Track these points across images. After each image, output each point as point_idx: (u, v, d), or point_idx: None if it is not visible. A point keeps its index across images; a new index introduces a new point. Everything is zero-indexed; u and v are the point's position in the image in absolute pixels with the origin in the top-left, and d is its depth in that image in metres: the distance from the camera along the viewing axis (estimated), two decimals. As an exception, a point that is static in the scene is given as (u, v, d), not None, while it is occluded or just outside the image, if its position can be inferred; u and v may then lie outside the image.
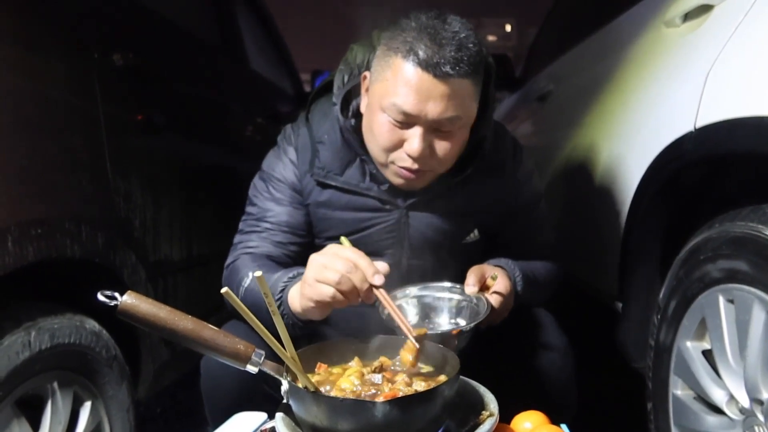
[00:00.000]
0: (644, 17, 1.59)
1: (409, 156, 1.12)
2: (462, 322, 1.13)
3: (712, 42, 1.18)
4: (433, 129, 1.10)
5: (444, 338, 1.04)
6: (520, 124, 3.03)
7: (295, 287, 1.07)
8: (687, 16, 1.32)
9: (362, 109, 1.20)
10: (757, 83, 1.03)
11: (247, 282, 1.19)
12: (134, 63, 1.53)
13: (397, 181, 1.18)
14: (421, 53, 1.04)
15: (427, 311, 1.18)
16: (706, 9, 1.25)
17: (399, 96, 1.07)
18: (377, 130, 1.13)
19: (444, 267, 1.25)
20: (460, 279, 1.17)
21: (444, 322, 1.17)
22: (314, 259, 1.00)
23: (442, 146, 1.13)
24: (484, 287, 1.16)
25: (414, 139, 1.10)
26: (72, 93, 1.32)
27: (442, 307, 1.18)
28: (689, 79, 1.22)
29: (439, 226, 1.26)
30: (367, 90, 1.18)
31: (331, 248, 1.01)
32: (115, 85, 1.46)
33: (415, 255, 1.28)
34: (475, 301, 1.13)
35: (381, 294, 0.98)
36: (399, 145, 1.12)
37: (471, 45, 1.07)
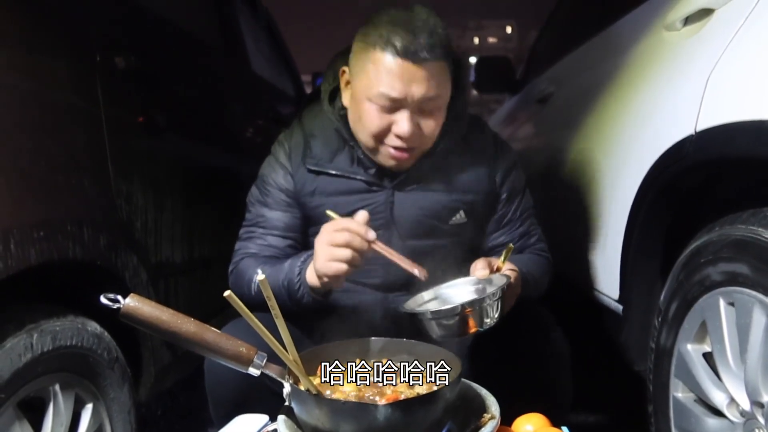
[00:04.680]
0: (645, 21, 1.59)
1: (399, 137, 1.22)
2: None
3: (712, 46, 1.18)
4: (418, 110, 1.21)
5: (476, 307, 1.08)
6: (520, 126, 3.03)
7: (310, 269, 1.20)
8: (687, 20, 1.32)
9: (345, 103, 1.31)
10: (758, 87, 1.03)
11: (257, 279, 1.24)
12: (136, 65, 1.53)
13: (390, 162, 1.27)
14: (398, 44, 1.15)
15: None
16: (706, 13, 1.25)
17: (384, 85, 1.18)
18: (366, 118, 1.22)
19: (433, 248, 1.31)
20: (449, 260, 1.25)
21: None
22: (319, 242, 1.15)
23: (426, 124, 1.23)
24: (493, 271, 1.19)
25: (403, 121, 1.20)
26: (74, 95, 1.32)
27: (461, 297, 1.18)
28: (690, 83, 1.22)
29: (424, 206, 1.33)
30: (347, 84, 1.29)
31: (326, 227, 1.15)
32: (116, 86, 1.46)
33: (403, 235, 1.33)
34: (490, 281, 1.16)
35: (377, 245, 1.14)
36: (388, 129, 1.22)
37: (440, 30, 1.19)
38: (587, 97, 1.90)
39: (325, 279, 1.15)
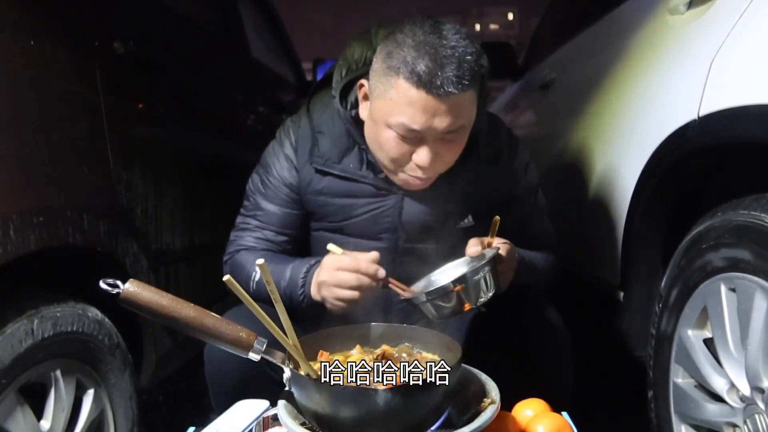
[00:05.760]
0: (648, 5, 1.58)
1: (418, 166, 1.17)
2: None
3: (716, 30, 1.17)
4: (439, 139, 1.15)
5: (468, 282, 1.09)
6: (522, 112, 3.01)
7: (314, 286, 1.20)
8: (691, 4, 1.31)
9: (361, 116, 1.24)
10: (762, 71, 1.02)
11: (257, 276, 1.26)
12: (135, 51, 1.52)
13: (407, 186, 1.23)
14: (423, 75, 1.07)
15: None
16: (710, -4, 1.24)
17: (406, 116, 1.11)
18: (385, 145, 1.17)
19: (439, 251, 1.28)
20: (452, 261, 1.23)
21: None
22: (324, 284, 1.15)
23: (447, 151, 1.18)
24: (484, 247, 1.18)
25: (422, 151, 1.15)
26: (73, 81, 1.32)
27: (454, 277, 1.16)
28: (693, 67, 1.21)
29: (433, 211, 1.29)
30: (365, 97, 1.21)
31: (331, 264, 1.14)
32: (116, 73, 1.45)
33: (410, 239, 1.31)
34: (483, 257, 1.15)
35: (390, 282, 1.15)
36: (407, 155, 1.17)
37: (469, 57, 1.09)
38: (589, 83, 1.89)
39: (334, 310, 1.18)
